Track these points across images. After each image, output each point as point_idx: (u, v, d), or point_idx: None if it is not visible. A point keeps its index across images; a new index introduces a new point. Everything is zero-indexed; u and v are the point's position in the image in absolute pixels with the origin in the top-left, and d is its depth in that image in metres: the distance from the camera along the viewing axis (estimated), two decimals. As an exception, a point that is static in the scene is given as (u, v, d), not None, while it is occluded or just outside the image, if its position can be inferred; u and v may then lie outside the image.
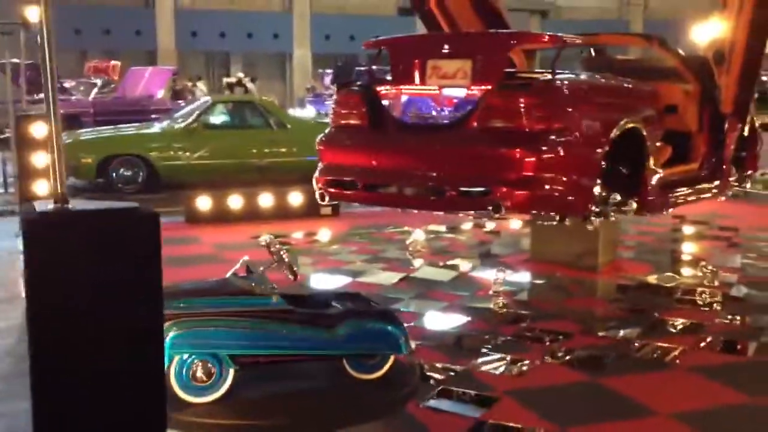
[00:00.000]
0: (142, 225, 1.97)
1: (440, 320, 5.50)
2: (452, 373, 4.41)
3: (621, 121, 5.24)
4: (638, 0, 37.63)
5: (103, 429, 2.03)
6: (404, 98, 5.71)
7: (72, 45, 29.02)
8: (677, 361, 4.67)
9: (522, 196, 4.83)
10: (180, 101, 18.30)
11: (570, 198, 5.00)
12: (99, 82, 20.89)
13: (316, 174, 5.80)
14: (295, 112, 21.58)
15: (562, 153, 4.86)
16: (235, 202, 9.03)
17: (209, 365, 3.69)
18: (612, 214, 5.46)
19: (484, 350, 4.81)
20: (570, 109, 4.99)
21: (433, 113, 5.58)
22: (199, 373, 3.67)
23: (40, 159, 8.17)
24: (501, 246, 7.86)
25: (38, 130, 8.12)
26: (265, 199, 9.09)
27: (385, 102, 5.61)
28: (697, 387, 4.29)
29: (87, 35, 28.70)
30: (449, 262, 7.09)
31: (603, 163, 5.16)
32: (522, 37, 5.84)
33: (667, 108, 6.54)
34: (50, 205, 1.91)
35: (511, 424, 3.77)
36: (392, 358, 4.00)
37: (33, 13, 11.65)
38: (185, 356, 3.61)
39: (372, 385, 3.90)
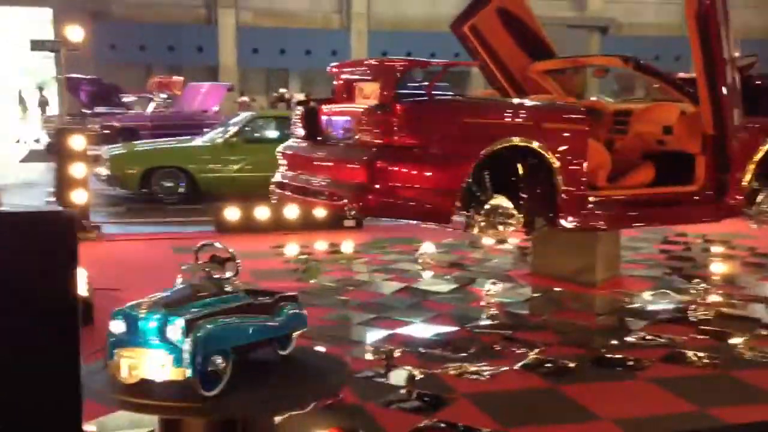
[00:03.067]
0: (57, 226, 2.31)
1: (425, 328, 5.76)
2: (417, 376, 4.69)
3: (497, 140, 5.54)
4: (702, 17, 37.05)
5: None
6: (338, 115, 6.16)
7: (138, 60, 30.17)
8: (640, 372, 4.85)
9: (370, 202, 5.43)
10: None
11: (425, 206, 5.48)
12: (162, 96, 21.71)
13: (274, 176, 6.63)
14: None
15: (410, 165, 5.37)
16: (262, 213, 9.44)
17: (218, 360, 3.98)
18: (500, 225, 5.74)
19: (456, 356, 5.08)
20: (422, 128, 5.44)
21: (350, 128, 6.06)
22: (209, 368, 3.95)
23: (78, 169, 8.76)
24: (510, 260, 8.08)
25: (76, 142, 8.71)
26: (291, 211, 9.47)
27: (325, 118, 6.21)
28: (651, 396, 4.48)
29: (152, 51, 29.76)
30: (454, 275, 7.36)
31: (469, 176, 5.54)
32: (405, 63, 5.93)
33: (665, 128, 6.69)
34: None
35: (456, 423, 4.03)
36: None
37: (74, 32, 12.38)
38: (205, 355, 3.87)
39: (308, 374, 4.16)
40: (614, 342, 5.43)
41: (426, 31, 33.16)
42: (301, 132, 6.41)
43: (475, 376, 4.75)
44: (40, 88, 27.60)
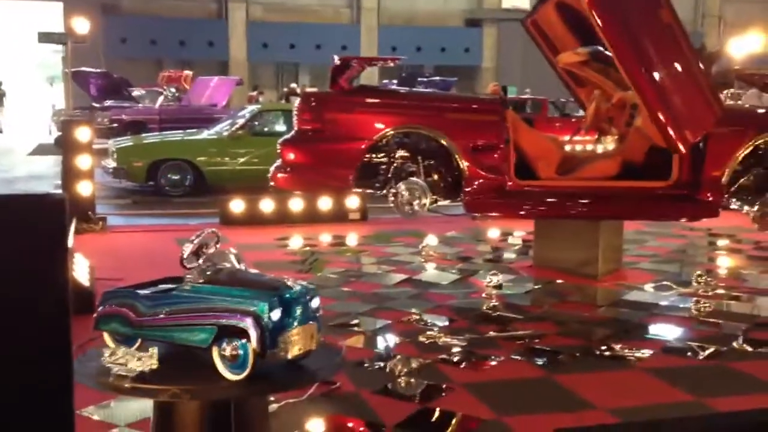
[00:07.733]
0: (46, 209, 2.31)
1: (425, 318, 5.76)
2: (415, 365, 4.71)
3: (389, 127, 6.30)
4: (713, 12, 36.92)
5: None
6: None
7: (148, 54, 30.24)
8: (636, 362, 4.85)
9: (282, 177, 6.51)
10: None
11: (329, 181, 6.63)
12: (172, 90, 21.76)
13: None
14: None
15: (313, 148, 6.39)
16: (267, 205, 9.47)
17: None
18: (410, 202, 6.30)
19: (454, 346, 5.09)
20: (327, 115, 6.39)
21: None
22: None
23: (83, 161, 8.80)
24: (513, 252, 8.09)
25: (82, 134, 8.75)
26: (296, 204, 9.49)
27: None
28: (647, 386, 4.48)
29: (163, 45, 29.82)
30: (457, 267, 7.37)
31: (366, 157, 6.35)
32: (354, 60, 6.76)
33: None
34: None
35: (453, 411, 4.04)
36: None
37: (80, 25, 12.36)
38: None
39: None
40: (613, 333, 5.43)
41: (436, 26, 33.16)
42: None
43: (472, 365, 4.77)
44: None
